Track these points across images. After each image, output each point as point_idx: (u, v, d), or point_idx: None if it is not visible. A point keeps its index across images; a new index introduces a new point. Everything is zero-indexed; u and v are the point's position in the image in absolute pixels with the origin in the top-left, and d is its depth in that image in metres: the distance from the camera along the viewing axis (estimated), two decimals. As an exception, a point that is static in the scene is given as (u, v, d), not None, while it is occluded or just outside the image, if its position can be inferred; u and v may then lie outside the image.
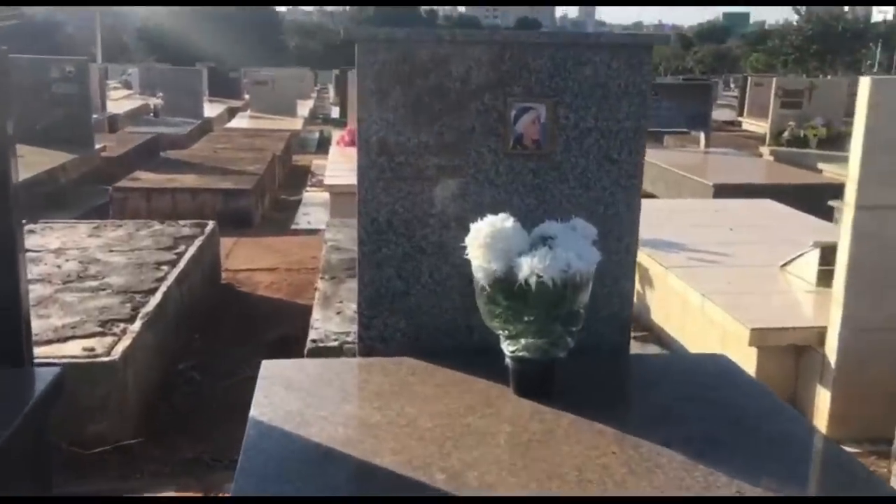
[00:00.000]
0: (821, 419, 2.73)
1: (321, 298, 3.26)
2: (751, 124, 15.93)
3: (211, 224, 4.54)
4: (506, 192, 2.05)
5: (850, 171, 2.57)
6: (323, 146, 11.71)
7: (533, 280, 1.66)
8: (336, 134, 10.82)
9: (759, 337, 2.88)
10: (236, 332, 3.86)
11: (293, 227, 6.80)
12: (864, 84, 2.47)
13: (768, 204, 5.44)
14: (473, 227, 1.77)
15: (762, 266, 3.71)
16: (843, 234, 2.60)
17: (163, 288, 3.35)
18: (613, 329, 2.13)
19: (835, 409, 2.69)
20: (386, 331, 2.09)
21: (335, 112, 17.60)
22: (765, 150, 11.56)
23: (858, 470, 1.57)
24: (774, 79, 13.37)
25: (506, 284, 1.69)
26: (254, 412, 1.67)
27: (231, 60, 25.25)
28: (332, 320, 2.96)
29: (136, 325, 2.94)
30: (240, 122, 13.61)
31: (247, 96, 17.20)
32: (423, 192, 2.03)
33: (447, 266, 2.06)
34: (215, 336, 3.81)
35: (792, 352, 2.94)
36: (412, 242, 2.05)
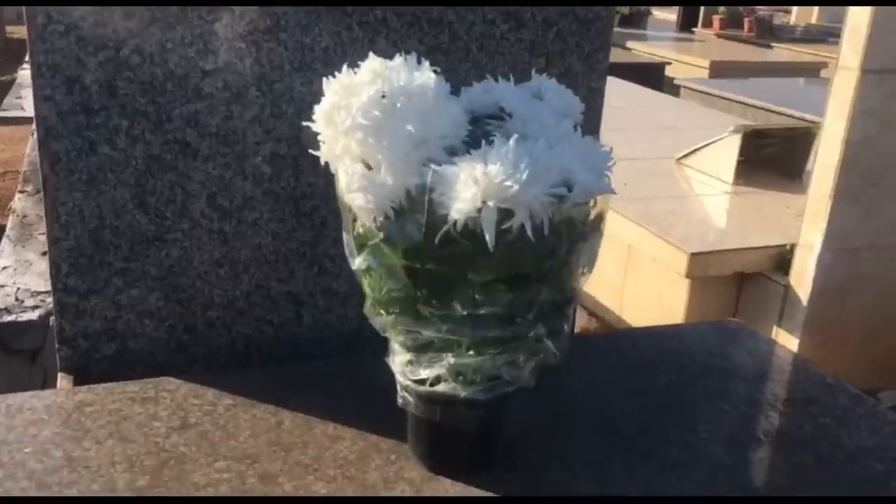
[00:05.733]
0: (781, 374, 2.04)
1: (17, 226, 2.07)
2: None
3: None
4: (348, 24, 1.03)
5: (848, 19, 1.78)
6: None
7: (490, 219, 0.69)
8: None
9: (702, 264, 2.11)
10: None
11: (1, 114, 5.27)
12: None
13: (614, 81, 4.73)
14: (338, 81, 0.77)
15: (654, 160, 2.96)
16: (832, 112, 1.84)
17: None
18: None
19: (805, 356, 1.99)
20: (119, 319, 1.04)
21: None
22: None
23: None
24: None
25: (429, 225, 0.71)
26: None
27: None
28: (31, 267, 1.82)
29: None
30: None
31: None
32: (184, 19, 0.97)
33: (244, 179, 1.04)
34: None
35: (733, 282, 2.21)
36: (164, 132, 0.99)
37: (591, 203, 0.79)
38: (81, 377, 1.03)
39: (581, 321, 2.62)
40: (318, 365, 1.08)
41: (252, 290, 1.09)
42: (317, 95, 1.01)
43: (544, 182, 0.70)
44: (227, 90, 1.00)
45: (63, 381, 1.03)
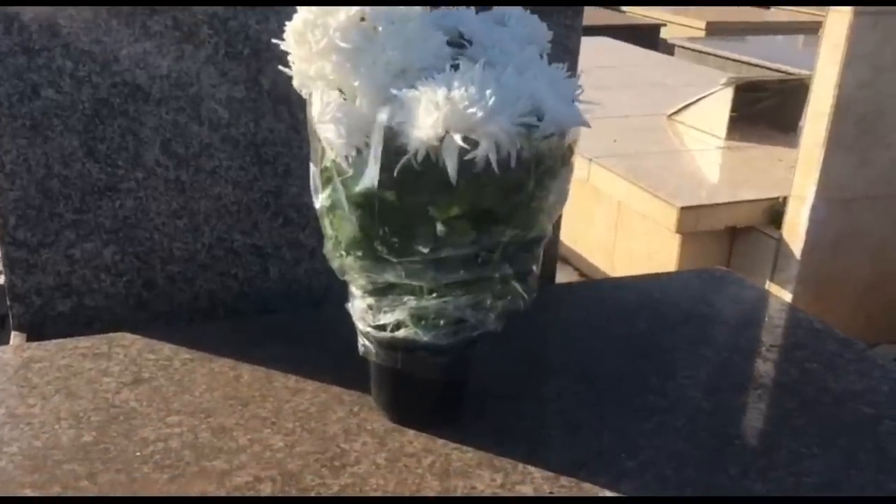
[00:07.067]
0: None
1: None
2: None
3: None
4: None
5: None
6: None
7: (452, 149, 0.64)
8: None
9: (692, 219, 2.07)
10: None
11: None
12: None
13: (606, 41, 4.68)
14: None
15: (644, 116, 2.90)
16: (824, 57, 1.79)
17: None
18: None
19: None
20: (73, 274, 1.00)
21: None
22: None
23: None
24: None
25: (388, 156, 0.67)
26: None
27: None
28: None
29: None
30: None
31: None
32: (128, -50, 0.92)
33: (199, 124, 0.99)
34: None
35: (725, 236, 2.17)
36: (112, 73, 0.94)
37: (563, 135, 0.74)
38: (36, 335, 1.00)
39: (572, 280, 2.58)
40: (284, 317, 1.04)
41: (214, 243, 1.05)
42: (274, 34, 0.97)
43: (512, 110, 0.65)
44: (178, 28, 0.95)
45: (16, 339, 0.99)
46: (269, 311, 1.08)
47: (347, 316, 0.78)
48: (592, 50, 4.44)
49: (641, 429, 0.81)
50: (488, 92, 0.64)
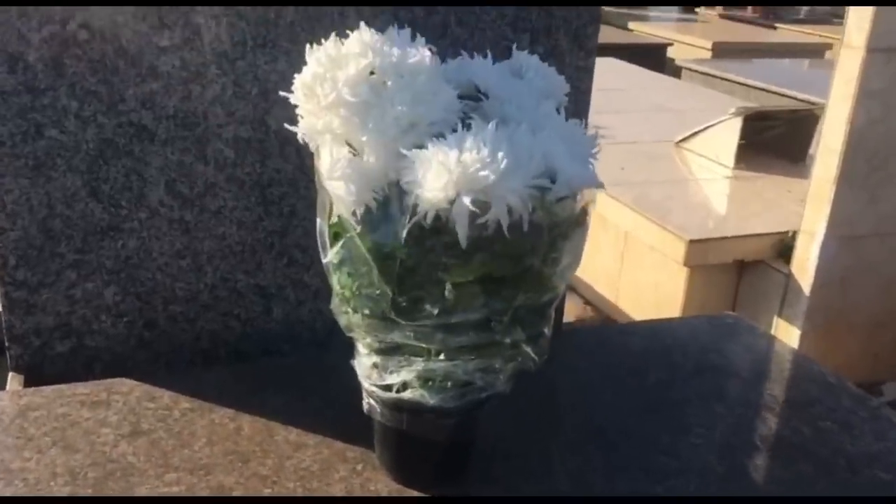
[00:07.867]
0: (782, 366, 1.97)
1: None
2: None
3: None
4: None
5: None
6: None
7: (462, 213, 0.62)
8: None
9: (701, 252, 2.04)
10: None
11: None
12: None
13: (614, 62, 4.66)
14: (323, 49, 0.70)
15: (653, 143, 2.88)
16: (836, 93, 1.77)
17: None
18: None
19: (806, 349, 1.94)
20: (73, 315, 0.98)
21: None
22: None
23: None
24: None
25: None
26: None
27: None
28: None
29: None
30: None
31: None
32: (136, -10, 0.90)
33: (205, 164, 0.97)
34: None
35: (734, 270, 2.14)
36: (118, 113, 0.93)
37: (577, 196, 0.72)
38: (34, 376, 0.97)
39: (577, 310, 2.55)
40: (287, 362, 1.02)
41: (217, 283, 1.03)
42: (283, 74, 0.96)
43: (525, 172, 0.63)
44: (185, 69, 0.93)
45: (14, 381, 0.97)
46: (271, 351, 1.06)
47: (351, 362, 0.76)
48: (599, 72, 4.43)
49: (652, 492, 0.79)
50: (500, 154, 0.62)
